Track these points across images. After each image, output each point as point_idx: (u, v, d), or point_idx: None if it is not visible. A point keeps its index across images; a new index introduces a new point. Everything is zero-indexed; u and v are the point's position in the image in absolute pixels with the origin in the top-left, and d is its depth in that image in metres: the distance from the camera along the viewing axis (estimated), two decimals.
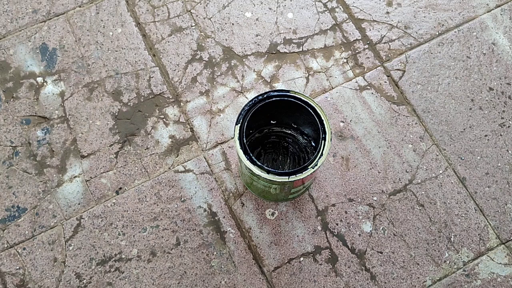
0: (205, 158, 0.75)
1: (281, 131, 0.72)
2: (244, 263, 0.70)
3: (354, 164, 0.75)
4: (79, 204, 0.72)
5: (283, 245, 0.71)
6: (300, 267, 0.70)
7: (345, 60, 0.80)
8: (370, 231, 0.72)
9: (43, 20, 0.81)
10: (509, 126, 0.77)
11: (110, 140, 0.75)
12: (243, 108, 0.60)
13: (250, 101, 0.60)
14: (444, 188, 0.74)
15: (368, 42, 0.81)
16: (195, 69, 0.79)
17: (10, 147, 0.75)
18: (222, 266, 0.70)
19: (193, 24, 0.82)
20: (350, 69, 0.80)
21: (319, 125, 0.59)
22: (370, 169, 0.74)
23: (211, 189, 0.73)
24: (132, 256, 0.70)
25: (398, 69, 0.80)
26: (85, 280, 0.69)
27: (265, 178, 0.58)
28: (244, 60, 0.80)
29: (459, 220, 0.72)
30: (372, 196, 0.73)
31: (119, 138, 0.76)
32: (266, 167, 0.57)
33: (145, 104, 0.77)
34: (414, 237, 0.71)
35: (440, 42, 0.81)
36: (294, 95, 0.60)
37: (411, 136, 0.76)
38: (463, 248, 0.71)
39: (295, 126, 0.70)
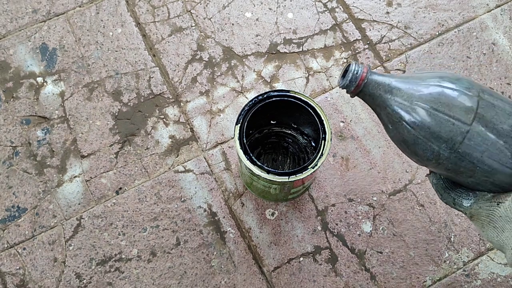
0: (205, 158, 0.75)
1: (281, 131, 0.72)
2: (244, 263, 0.70)
3: (354, 164, 0.75)
4: (79, 204, 0.72)
5: (283, 245, 0.71)
6: (300, 267, 0.70)
7: (345, 60, 0.80)
8: (370, 231, 0.72)
9: (43, 20, 0.81)
10: None
11: (110, 140, 0.75)
12: (243, 108, 0.60)
13: (250, 101, 0.60)
14: None
15: (368, 42, 0.81)
16: (195, 69, 0.79)
17: (10, 147, 0.75)
18: (222, 266, 0.70)
19: (193, 24, 0.82)
20: None
21: (319, 125, 0.59)
22: (370, 169, 0.74)
23: (211, 189, 0.73)
24: (132, 256, 0.70)
25: (398, 69, 0.80)
26: (85, 280, 0.69)
27: (265, 178, 0.58)
28: (244, 60, 0.80)
29: (459, 220, 0.72)
30: (372, 196, 0.73)
31: (119, 138, 0.76)
32: (266, 167, 0.57)
33: (145, 104, 0.77)
34: (414, 237, 0.71)
35: (440, 42, 0.81)
36: (294, 95, 0.60)
37: None
38: (463, 248, 0.71)
39: (295, 126, 0.70)
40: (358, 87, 0.43)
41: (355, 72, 0.42)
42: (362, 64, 0.43)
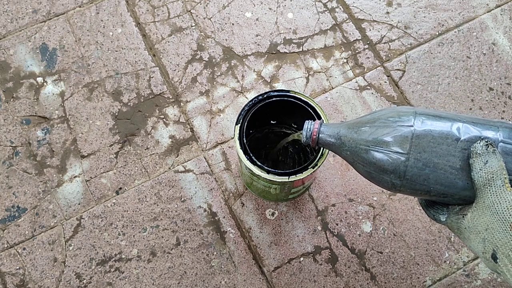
0: (205, 158, 0.75)
1: (281, 131, 0.72)
2: (244, 263, 0.70)
3: None
4: (79, 204, 0.72)
5: (283, 245, 0.71)
6: (300, 267, 0.70)
7: (345, 60, 0.80)
8: (370, 231, 0.72)
9: (43, 20, 0.81)
10: None
11: (110, 140, 0.75)
12: (243, 108, 0.60)
13: (250, 101, 0.60)
14: None
15: (368, 42, 0.81)
16: (195, 69, 0.79)
17: (10, 147, 0.75)
18: (222, 266, 0.70)
19: (193, 24, 0.82)
20: (350, 69, 0.80)
21: None
22: None
23: (211, 189, 0.73)
24: (132, 256, 0.70)
25: (398, 69, 0.80)
26: (85, 280, 0.69)
27: (265, 178, 0.58)
28: (244, 60, 0.80)
29: None
30: (372, 196, 0.73)
31: (119, 138, 0.76)
32: (266, 167, 0.57)
33: (145, 104, 0.77)
34: (414, 237, 0.71)
35: (440, 42, 0.81)
36: (294, 95, 0.60)
37: None
38: (463, 248, 0.71)
39: (295, 126, 0.70)
40: (314, 141, 0.50)
41: (308, 129, 0.50)
42: (314, 121, 0.50)
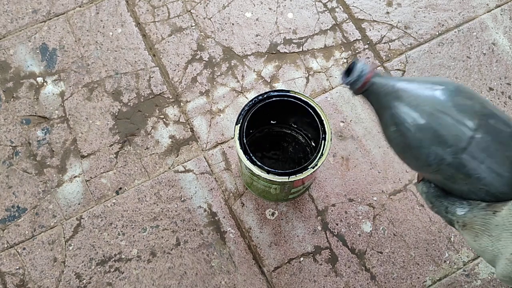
0: (205, 158, 0.75)
1: (281, 131, 0.72)
2: (244, 263, 0.70)
3: (354, 164, 0.75)
4: (79, 204, 0.72)
5: (283, 245, 0.71)
6: (300, 267, 0.70)
7: (345, 60, 0.80)
8: (370, 231, 0.72)
9: (43, 20, 0.81)
10: None
11: (110, 140, 0.75)
12: (243, 108, 0.60)
13: (250, 101, 0.60)
14: None
15: (368, 42, 0.81)
16: (195, 69, 0.79)
17: (10, 147, 0.75)
18: (222, 266, 0.70)
19: (193, 24, 0.82)
20: None
21: (319, 125, 0.59)
22: (370, 169, 0.74)
23: (211, 189, 0.73)
24: (132, 256, 0.70)
25: (398, 69, 0.80)
26: (85, 280, 0.69)
27: (265, 178, 0.58)
28: (244, 60, 0.80)
29: None
30: (372, 196, 0.73)
31: (119, 138, 0.76)
32: (266, 167, 0.57)
33: (145, 104, 0.77)
34: (414, 237, 0.71)
35: (440, 42, 0.81)
36: (294, 95, 0.60)
37: None
38: (463, 248, 0.71)
39: (295, 126, 0.70)
40: (363, 86, 0.41)
41: (361, 70, 0.41)
42: (368, 63, 0.42)
